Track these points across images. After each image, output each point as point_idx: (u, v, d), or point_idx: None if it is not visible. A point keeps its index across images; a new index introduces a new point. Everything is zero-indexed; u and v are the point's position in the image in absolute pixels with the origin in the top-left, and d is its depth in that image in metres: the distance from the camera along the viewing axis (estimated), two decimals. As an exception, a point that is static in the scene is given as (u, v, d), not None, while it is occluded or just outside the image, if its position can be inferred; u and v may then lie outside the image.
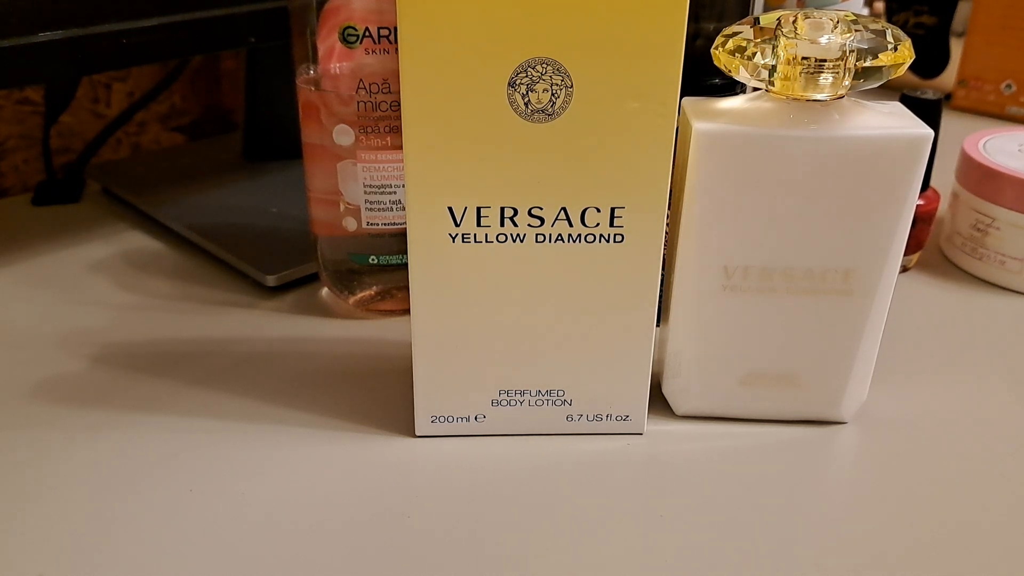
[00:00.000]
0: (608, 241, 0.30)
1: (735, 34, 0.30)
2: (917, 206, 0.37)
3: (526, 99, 0.27)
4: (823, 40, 0.28)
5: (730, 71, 0.30)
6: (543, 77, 0.27)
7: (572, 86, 0.27)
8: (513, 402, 0.32)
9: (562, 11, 0.26)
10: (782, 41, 0.29)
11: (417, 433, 0.33)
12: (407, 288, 0.32)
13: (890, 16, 0.77)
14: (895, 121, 0.29)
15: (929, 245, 0.49)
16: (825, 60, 0.28)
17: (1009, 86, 0.70)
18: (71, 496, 0.30)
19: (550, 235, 0.29)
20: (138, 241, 0.49)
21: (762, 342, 0.32)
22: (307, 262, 0.44)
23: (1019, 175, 0.43)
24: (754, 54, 0.29)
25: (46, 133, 0.56)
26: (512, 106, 0.27)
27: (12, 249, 0.48)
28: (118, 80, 0.63)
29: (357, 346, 0.39)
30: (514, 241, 0.29)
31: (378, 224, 0.39)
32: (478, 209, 0.29)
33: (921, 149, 0.29)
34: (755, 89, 0.31)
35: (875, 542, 0.28)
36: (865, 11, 0.67)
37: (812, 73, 0.29)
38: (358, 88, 0.36)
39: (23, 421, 0.34)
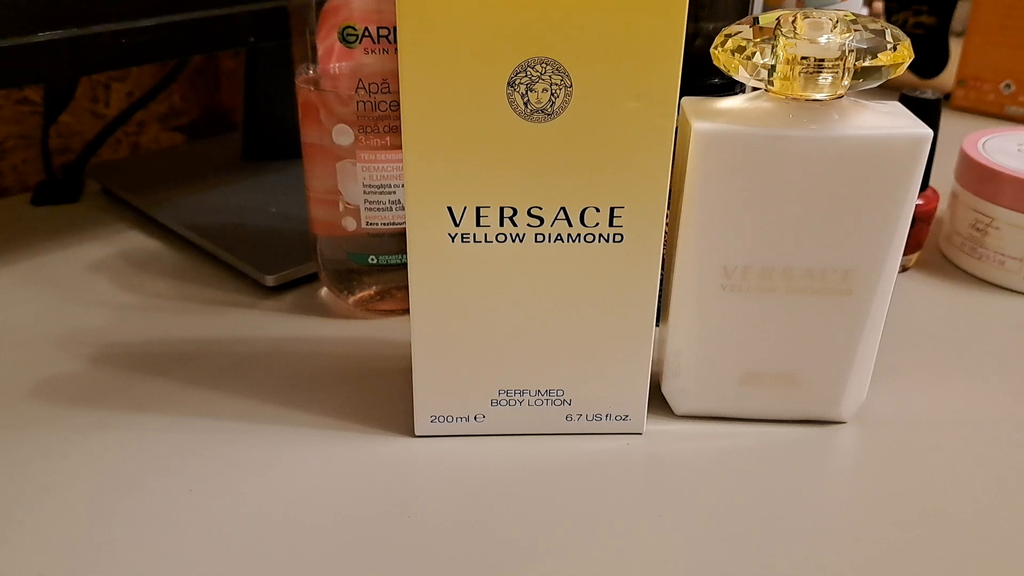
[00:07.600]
0: (607, 241, 0.30)
1: (734, 34, 0.30)
2: (916, 206, 0.37)
3: (525, 99, 0.27)
4: (822, 40, 0.28)
5: (729, 71, 0.30)
6: (543, 77, 0.27)
7: (572, 86, 0.27)
8: (512, 402, 0.32)
9: (562, 11, 0.26)
10: (781, 41, 0.29)
11: (417, 433, 0.33)
12: (407, 288, 0.32)
13: (889, 16, 0.77)
14: (894, 121, 0.29)
15: (928, 245, 0.49)
16: (824, 60, 0.28)
17: (1008, 86, 0.70)
18: (71, 496, 0.30)
19: (549, 235, 0.29)
20: (137, 241, 0.49)
21: (761, 342, 0.32)
22: (306, 262, 0.44)
23: (1018, 175, 0.43)
24: (753, 54, 0.29)
25: (45, 133, 0.56)
26: (512, 106, 0.27)
27: (11, 249, 0.48)
28: (117, 80, 0.63)
29: (357, 346, 0.39)
30: (513, 241, 0.29)
31: (377, 224, 0.39)
32: (477, 209, 0.29)
33: (920, 149, 0.29)
34: (754, 89, 0.31)
35: (874, 542, 0.28)
36: (864, 11, 0.67)
37: (811, 73, 0.29)
38: (357, 88, 0.36)
39: (23, 421, 0.34)
